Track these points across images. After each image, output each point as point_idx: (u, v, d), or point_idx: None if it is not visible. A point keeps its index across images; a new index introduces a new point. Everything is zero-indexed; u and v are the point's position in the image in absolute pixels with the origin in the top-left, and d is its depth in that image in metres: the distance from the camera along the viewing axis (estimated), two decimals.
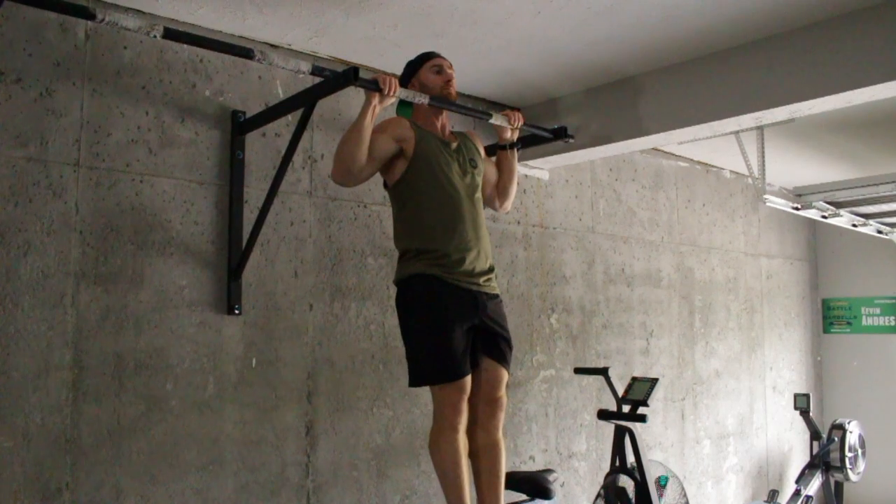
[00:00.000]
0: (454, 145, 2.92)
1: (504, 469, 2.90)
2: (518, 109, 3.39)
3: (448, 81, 2.93)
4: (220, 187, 3.21)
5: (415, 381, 2.79)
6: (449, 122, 3.02)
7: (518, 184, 3.29)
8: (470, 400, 2.76)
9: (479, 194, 2.93)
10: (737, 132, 4.16)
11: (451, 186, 2.81)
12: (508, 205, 3.20)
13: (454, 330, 2.70)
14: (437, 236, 2.76)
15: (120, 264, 2.93)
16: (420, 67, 2.95)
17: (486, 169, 3.10)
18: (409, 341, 2.80)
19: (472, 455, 2.86)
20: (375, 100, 2.68)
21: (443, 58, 2.98)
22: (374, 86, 2.67)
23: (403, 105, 2.95)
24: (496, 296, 2.89)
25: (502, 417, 2.89)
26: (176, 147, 3.11)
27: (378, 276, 3.68)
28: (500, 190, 3.15)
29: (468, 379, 2.73)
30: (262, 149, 3.33)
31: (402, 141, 2.78)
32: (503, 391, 2.88)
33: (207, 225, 3.16)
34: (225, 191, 3.21)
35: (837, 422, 6.18)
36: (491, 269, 2.88)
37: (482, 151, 3.09)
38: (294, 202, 3.42)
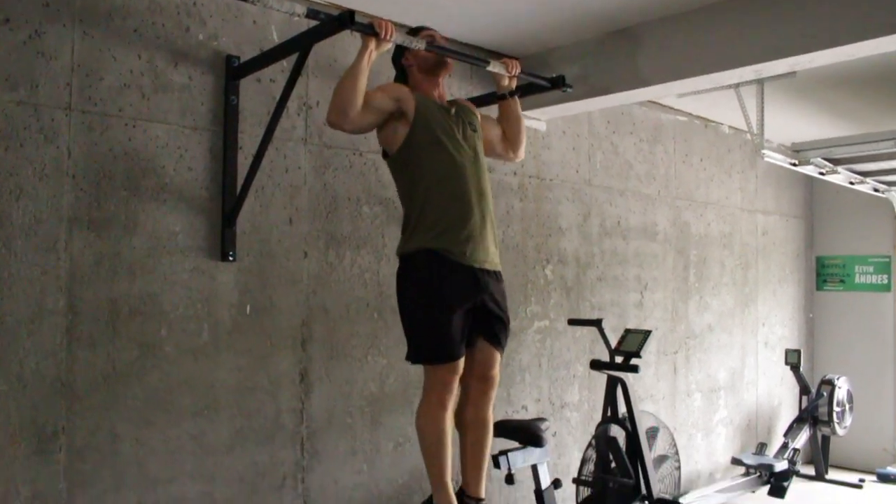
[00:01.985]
0: (452, 111, 2.90)
1: (490, 445, 2.95)
2: (516, 58, 3.34)
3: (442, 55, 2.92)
4: (214, 133, 3.18)
5: (412, 357, 2.82)
6: (446, 93, 3.01)
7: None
8: (462, 377, 2.80)
9: (482, 160, 2.91)
10: (737, 85, 4.12)
11: (455, 151, 2.79)
12: (521, 152, 3.20)
13: (453, 313, 2.72)
14: (442, 201, 2.75)
15: (113, 210, 2.91)
16: (414, 35, 2.91)
17: (489, 129, 3.08)
18: (407, 318, 2.82)
19: (460, 429, 2.92)
20: (372, 44, 2.65)
21: (431, 28, 2.98)
22: (370, 30, 2.64)
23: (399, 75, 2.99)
24: (498, 273, 2.89)
25: (493, 396, 2.93)
26: (169, 92, 3.07)
27: (373, 225, 3.67)
28: (510, 139, 3.14)
29: (462, 360, 2.76)
30: (256, 95, 3.29)
31: (401, 101, 2.76)
32: (496, 370, 2.91)
33: (201, 171, 3.14)
34: (219, 137, 3.18)
35: (827, 377, 6.26)
36: (495, 242, 2.88)
37: (479, 116, 3.07)
38: (289, 149, 3.40)
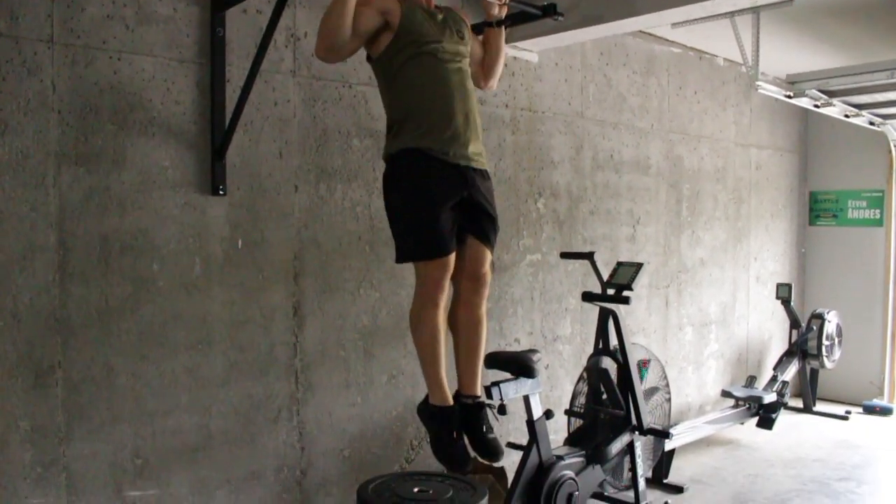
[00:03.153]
0: (440, 17, 2.83)
1: (484, 344, 2.92)
2: None
3: None
4: (200, 66, 3.13)
5: (400, 256, 2.77)
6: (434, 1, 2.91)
7: (505, 65, 3.21)
8: (453, 277, 2.77)
9: (467, 65, 2.85)
10: (732, 13, 4.05)
11: (439, 53, 2.72)
12: (494, 83, 3.13)
13: (440, 207, 2.67)
14: (425, 104, 2.70)
15: (101, 145, 2.88)
16: None
17: (472, 46, 3.02)
18: (395, 218, 2.78)
19: (454, 330, 2.89)
20: None
21: None
22: None
23: None
24: (484, 171, 2.85)
25: (485, 294, 2.89)
26: (154, 23, 3.01)
27: (364, 158, 3.64)
28: (486, 68, 3.07)
29: (452, 256, 2.72)
30: (243, 26, 3.23)
31: (388, 13, 2.68)
32: (487, 268, 2.87)
33: (189, 105, 3.10)
34: (206, 69, 3.13)
35: (817, 311, 6.32)
36: (479, 142, 2.82)
37: (468, 24, 3.00)
38: (277, 82, 3.35)
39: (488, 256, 2.87)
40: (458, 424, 2.76)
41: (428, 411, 2.80)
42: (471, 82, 2.84)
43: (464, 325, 2.89)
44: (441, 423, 2.76)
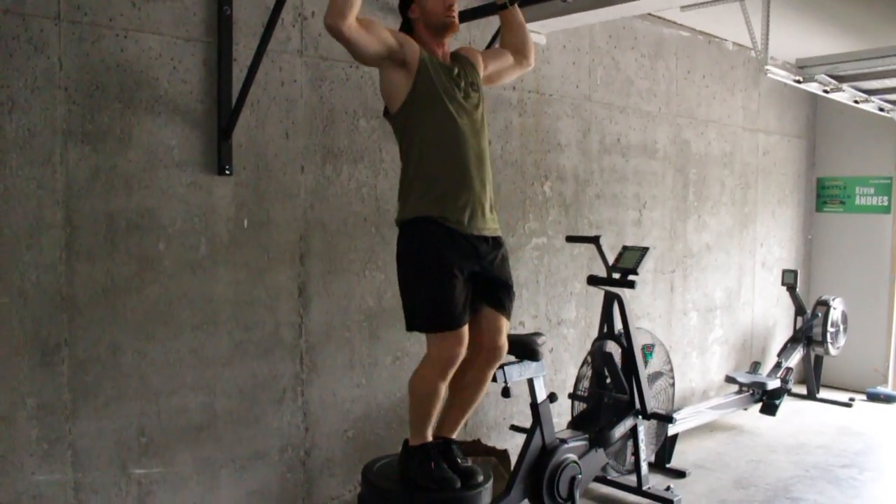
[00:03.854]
0: (455, 70, 2.79)
1: (480, 401, 3.00)
2: None
3: (450, 8, 2.74)
4: (207, 45, 3.11)
5: (413, 326, 2.76)
6: (449, 52, 2.86)
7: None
8: (470, 344, 2.76)
9: (484, 123, 2.82)
10: None
11: (456, 114, 2.70)
12: (531, 59, 3.09)
13: (454, 280, 2.66)
14: (441, 168, 2.68)
15: (108, 123, 2.88)
16: None
17: (497, 59, 3.01)
18: (409, 289, 2.75)
19: (456, 386, 2.90)
20: None
21: None
22: None
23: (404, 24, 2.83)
24: (498, 239, 2.83)
25: (497, 363, 2.92)
26: (161, 1, 2.99)
27: (370, 139, 3.63)
28: (518, 49, 3.05)
29: (466, 329, 2.71)
30: (250, 4, 3.21)
31: (406, 47, 2.64)
32: (504, 339, 2.87)
33: (196, 83, 3.09)
34: (213, 48, 3.12)
35: (822, 298, 6.31)
36: (492, 208, 2.82)
37: (481, 64, 2.96)
38: (284, 61, 3.34)
39: (506, 326, 2.87)
40: (437, 455, 2.80)
41: (407, 453, 2.83)
42: (487, 140, 2.82)
43: (469, 385, 2.92)
44: (423, 454, 2.79)
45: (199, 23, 3.09)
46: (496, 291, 2.83)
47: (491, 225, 2.80)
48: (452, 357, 2.70)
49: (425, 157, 2.70)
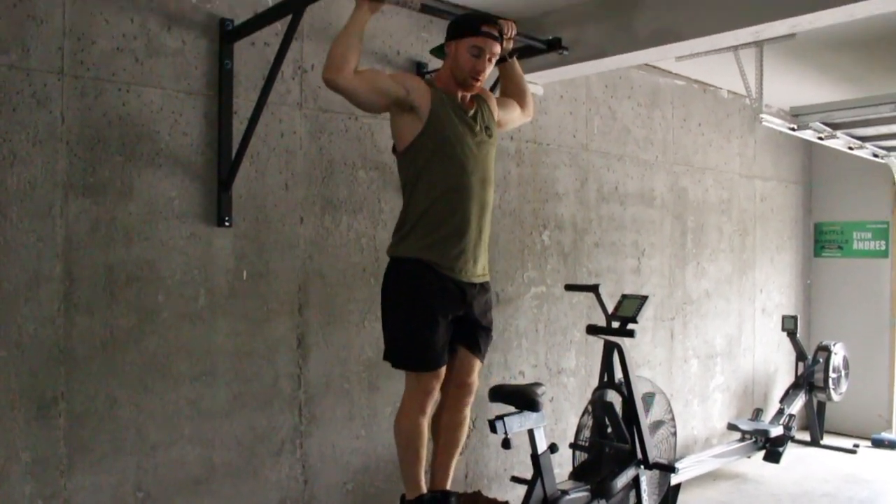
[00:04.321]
0: (471, 112, 2.83)
1: (462, 443, 3.01)
2: (512, 20, 3.30)
3: (477, 74, 2.76)
4: (208, 98, 3.15)
5: (392, 361, 2.83)
6: (469, 97, 2.89)
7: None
8: (441, 385, 2.85)
9: (491, 170, 2.86)
10: (735, 48, 4.07)
11: (465, 160, 2.73)
12: (531, 109, 3.17)
13: (438, 323, 2.73)
14: (441, 214, 2.72)
15: (108, 175, 2.90)
16: (465, 35, 2.77)
17: (507, 109, 3.08)
18: (391, 324, 2.82)
19: (435, 431, 2.96)
20: (365, 5, 2.61)
21: (494, 37, 2.77)
22: None
23: (438, 49, 2.90)
24: (485, 284, 2.90)
25: (470, 400, 2.97)
26: (162, 56, 3.04)
27: (369, 190, 3.65)
28: (516, 99, 3.12)
29: (444, 368, 2.80)
30: (251, 58, 3.26)
31: (412, 92, 2.68)
32: (475, 377, 2.94)
33: (196, 136, 3.12)
34: (214, 101, 3.16)
35: (823, 343, 6.28)
36: (486, 254, 2.88)
37: (496, 111, 3.00)
38: (284, 113, 3.37)
39: (478, 367, 2.95)
40: None
41: None
42: (492, 187, 2.86)
43: (445, 427, 2.96)
44: None
45: (201, 76, 3.13)
46: (475, 335, 2.89)
47: (481, 272, 2.85)
48: (429, 390, 2.78)
49: (428, 203, 2.73)
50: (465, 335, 2.87)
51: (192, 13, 3.11)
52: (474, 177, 2.76)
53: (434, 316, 2.72)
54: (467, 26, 2.78)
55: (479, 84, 2.81)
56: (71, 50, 2.81)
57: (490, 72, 2.84)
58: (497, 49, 2.80)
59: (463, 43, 2.76)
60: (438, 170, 2.72)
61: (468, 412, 2.98)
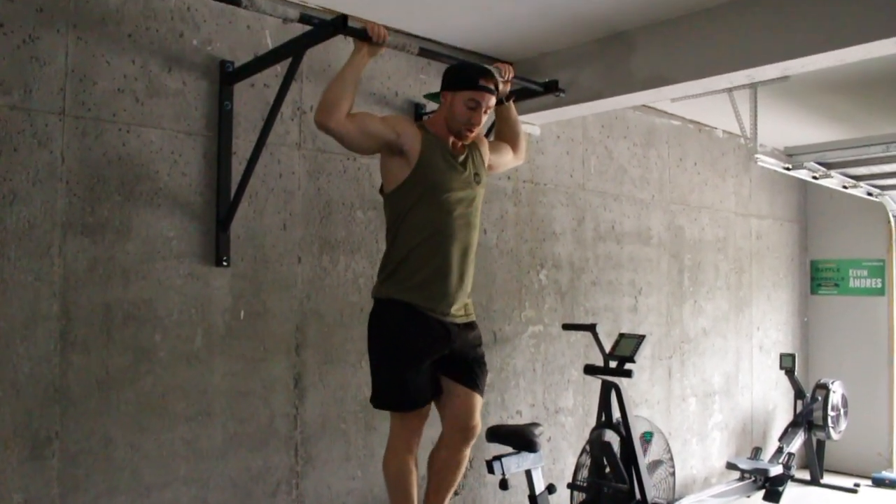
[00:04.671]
0: (461, 158, 2.87)
1: (458, 482, 3.00)
2: (509, 63, 3.35)
3: (472, 127, 2.79)
4: (208, 138, 3.18)
5: (376, 402, 2.86)
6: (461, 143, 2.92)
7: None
8: (444, 424, 2.87)
9: (477, 217, 2.89)
10: (729, 90, 4.13)
11: (451, 207, 2.76)
12: (523, 154, 3.23)
13: (421, 363, 2.75)
14: (423, 258, 2.75)
15: (107, 215, 2.91)
16: (462, 88, 2.77)
17: (501, 152, 3.13)
18: (375, 364, 2.85)
19: (432, 469, 2.94)
20: (364, 48, 2.65)
21: (490, 90, 2.78)
22: (362, 34, 2.65)
23: (434, 95, 2.97)
24: (470, 323, 2.91)
25: (473, 442, 2.94)
26: (163, 97, 3.07)
27: (367, 230, 3.67)
28: (509, 142, 3.18)
29: (428, 407, 2.82)
30: (250, 100, 3.30)
31: (402, 136, 2.71)
32: (477, 418, 2.91)
33: (195, 176, 3.14)
34: (213, 142, 3.18)
35: (822, 381, 6.27)
36: (469, 296, 2.90)
37: (487, 155, 3.04)
38: (283, 154, 3.40)
39: (479, 403, 2.91)
40: None
41: None
42: (476, 232, 2.89)
43: (443, 466, 2.94)
44: None
45: (200, 117, 3.16)
46: (469, 369, 2.87)
47: (465, 313, 2.88)
48: (413, 429, 2.80)
49: (411, 245, 2.76)
50: (459, 372, 2.86)
51: (192, 55, 3.15)
52: (459, 222, 2.79)
53: (417, 356, 2.75)
54: (465, 79, 2.78)
55: (472, 135, 2.84)
56: (73, 90, 2.84)
57: (485, 123, 2.88)
58: (493, 101, 2.82)
59: (459, 95, 2.77)
60: (424, 214, 2.75)
61: (468, 453, 2.96)
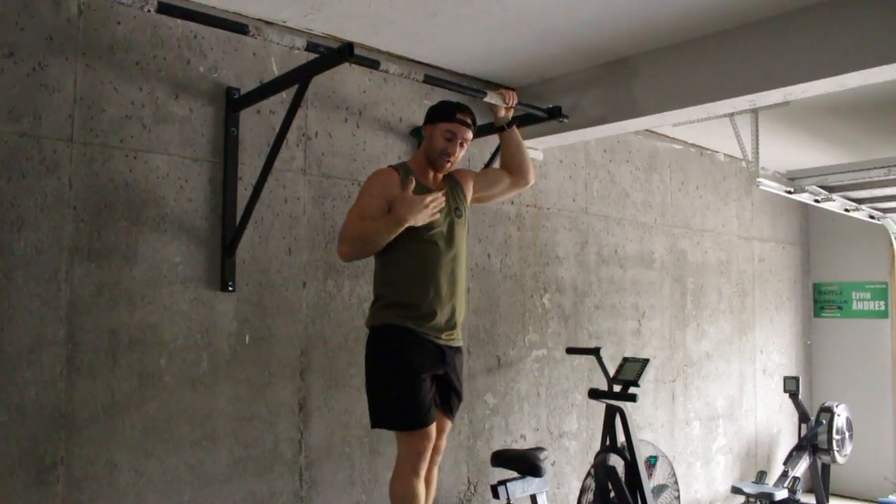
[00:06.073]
0: (440, 193, 2.95)
1: (432, 500, 3.06)
2: (513, 89, 3.38)
3: (448, 156, 2.96)
4: (214, 164, 3.20)
5: (383, 423, 2.90)
6: (441, 177, 3.07)
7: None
8: None
9: (462, 248, 3.01)
10: (731, 114, 4.16)
11: (434, 241, 2.88)
12: (531, 177, 3.29)
13: (423, 380, 2.83)
14: (413, 292, 2.87)
15: (114, 240, 2.93)
16: (442, 120, 2.97)
17: (489, 180, 3.22)
18: (376, 388, 2.91)
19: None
20: (409, 221, 2.74)
21: (466, 124, 2.98)
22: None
23: (416, 130, 3.08)
24: (459, 348, 3.03)
25: (439, 461, 3.05)
26: (170, 123, 3.10)
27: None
28: (516, 168, 3.24)
29: (434, 427, 2.87)
30: (256, 126, 3.33)
31: (392, 198, 2.83)
32: (444, 439, 3.05)
33: (201, 202, 3.16)
34: (219, 168, 3.21)
35: (826, 405, 6.23)
36: (460, 322, 3.00)
37: (470, 189, 3.15)
38: (288, 179, 3.42)
39: (448, 427, 3.06)
40: None
41: None
42: (463, 263, 3.02)
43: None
44: None
45: (207, 143, 3.19)
46: (449, 397, 3.00)
47: (456, 337, 2.98)
48: (421, 451, 2.83)
49: (399, 277, 2.88)
50: (440, 397, 2.96)
51: (199, 82, 3.18)
52: (445, 256, 2.91)
53: (419, 374, 2.82)
54: (444, 112, 2.99)
55: (448, 165, 2.99)
56: (81, 117, 2.87)
57: (461, 156, 3.03)
58: (469, 136, 3.00)
59: (438, 127, 2.97)
60: (409, 249, 2.86)
61: (436, 472, 3.05)
